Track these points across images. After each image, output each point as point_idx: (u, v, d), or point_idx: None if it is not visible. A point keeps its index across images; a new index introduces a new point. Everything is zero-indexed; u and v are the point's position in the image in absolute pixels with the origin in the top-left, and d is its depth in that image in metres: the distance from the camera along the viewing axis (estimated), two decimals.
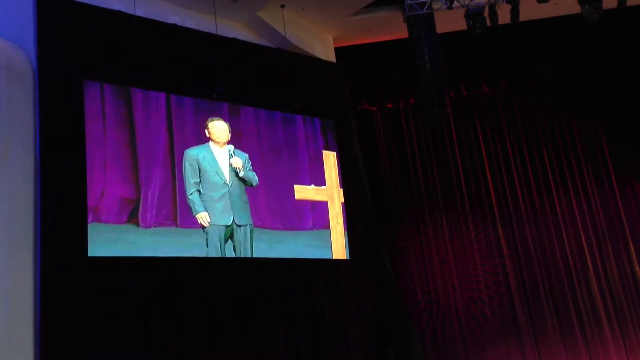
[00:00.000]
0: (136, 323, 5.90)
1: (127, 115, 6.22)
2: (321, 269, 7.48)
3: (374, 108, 9.74)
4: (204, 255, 6.33)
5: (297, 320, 7.09)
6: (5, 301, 5.18)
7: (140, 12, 6.67)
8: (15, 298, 5.27)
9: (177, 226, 6.22)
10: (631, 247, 9.07)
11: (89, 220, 5.68)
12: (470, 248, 9.23)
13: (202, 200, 6.40)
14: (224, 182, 6.62)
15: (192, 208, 6.34)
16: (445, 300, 9.02)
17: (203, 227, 6.35)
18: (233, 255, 6.55)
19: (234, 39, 7.57)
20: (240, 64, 7.44)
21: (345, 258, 7.41)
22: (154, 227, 6.07)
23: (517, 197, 9.40)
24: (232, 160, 6.68)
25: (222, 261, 6.54)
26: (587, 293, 8.98)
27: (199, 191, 6.43)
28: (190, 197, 6.35)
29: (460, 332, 8.87)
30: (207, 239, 6.36)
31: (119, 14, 6.56)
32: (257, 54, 7.79)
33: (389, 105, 9.75)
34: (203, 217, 6.36)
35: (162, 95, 6.50)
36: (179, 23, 7.19)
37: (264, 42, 8.05)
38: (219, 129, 6.73)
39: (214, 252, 6.38)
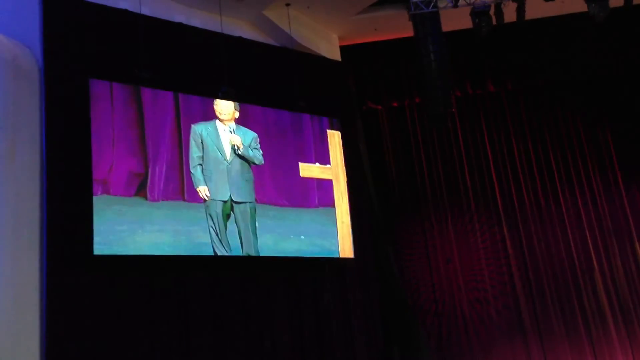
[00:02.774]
0: (142, 321, 5.91)
1: (133, 90, 6.34)
2: (326, 267, 7.48)
3: (380, 107, 9.72)
4: (208, 230, 6.42)
5: (302, 319, 7.09)
6: (11, 299, 5.20)
7: (145, 10, 6.68)
8: (21, 296, 5.29)
9: (184, 200, 6.36)
10: (637, 246, 9.02)
11: (98, 192, 5.77)
12: (475, 247, 9.20)
13: (203, 175, 6.53)
14: (224, 159, 6.73)
15: (193, 182, 6.48)
16: (450, 300, 8.99)
17: (204, 201, 6.47)
18: (235, 230, 6.63)
19: (239, 37, 7.58)
20: (246, 62, 7.45)
21: (350, 257, 7.41)
22: (162, 200, 6.19)
23: (523, 196, 9.36)
24: (231, 136, 6.81)
25: (228, 259, 6.56)
26: (593, 293, 8.94)
27: (201, 165, 6.55)
28: (192, 170, 6.51)
29: (465, 332, 8.84)
30: (207, 213, 6.47)
31: (124, 12, 6.58)
32: (262, 53, 7.79)
33: (395, 104, 9.72)
34: (202, 191, 6.48)
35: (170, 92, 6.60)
36: (184, 22, 7.20)
37: (269, 41, 8.04)
38: (223, 105, 6.87)
39: (212, 226, 6.47)
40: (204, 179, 6.52)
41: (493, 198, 9.37)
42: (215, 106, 6.84)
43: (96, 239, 5.65)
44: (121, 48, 6.44)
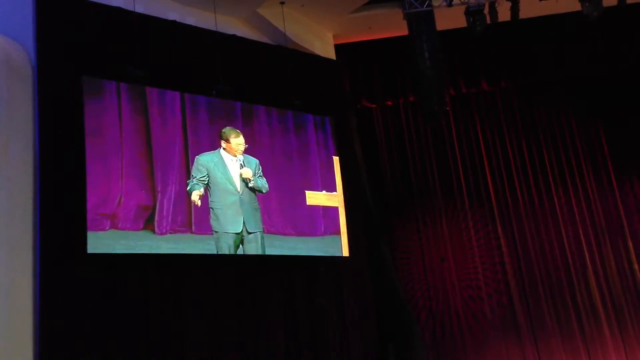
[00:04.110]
0: (136, 321, 5.89)
1: (143, 120, 6.27)
2: (321, 266, 7.48)
3: (374, 105, 9.72)
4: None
5: (297, 318, 7.09)
6: (4, 299, 5.17)
7: (139, 8, 6.65)
8: (15, 295, 5.26)
9: (192, 233, 6.29)
10: (630, 244, 9.07)
11: (107, 227, 5.73)
12: (469, 246, 9.23)
13: (213, 208, 6.46)
14: (236, 190, 6.66)
15: (188, 190, 6.34)
16: (445, 299, 9.02)
17: (214, 232, 6.41)
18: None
19: (234, 35, 7.56)
20: (240, 60, 7.43)
21: (345, 255, 7.42)
22: (170, 233, 6.13)
23: (517, 195, 9.39)
24: (242, 170, 6.71)
25: (223, 258, 6.55)
26: (586, 291, 8.98)
27: (203, 182, 6.43)
28: (188, 187, 6.36)
29: (460, 330, 8.87)
30: (216, 246, 6.40)
31: (118, 10, 6.54)
32: (256, 51, 7.78)
33: (389, 103, 9.73)
34: (196, 195, 6.34)
35: (177, 95, 6.55)
36: (178, 19, 7.17)
37: (264, 39, 8.03)
38: (235, 144, 6.74)
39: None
40: (216, 213, 6.44)
41: (487, 196, 9.40)
42: (231, 143, 6.68)
43: None
44: (115, 46, 6.40)
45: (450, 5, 7.48)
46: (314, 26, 8.54)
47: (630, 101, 9.46)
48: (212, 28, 7.19)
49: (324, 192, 7.37)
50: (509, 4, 7.43)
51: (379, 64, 9.56)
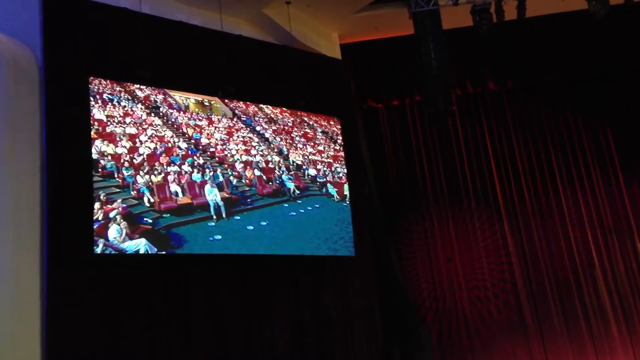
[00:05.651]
0: (142, 319, 5.92)
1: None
2: (327, 266, 7.47)
3: (380, 105, 9.71)
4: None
5: (302, 317, 7.10)
6: (11, 298, 5.20)
7: (146, 9, 6.67)
8: (22, 295, 5.29)
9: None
10: (637, 243, 9.02)
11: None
12: (476, 246, 9.20)
13: None
14: None
15: None
16: (451, 298, 9.00)
17: None
18: None
19: (240, 35, 7.58)
20: (246, 60, 7.44)
21: (351, 255, 7.41)
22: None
23: (523, 194, 9.35)
24: None
25: (227, 258, 6.55)
26: (594, 290, 8.94)
27: None
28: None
29: (467, 330, 8.84)
30: None
31: (124, 11, 6.57)
32: (262, 51, 7.79)
33: (395, 103, 9.72)
34: None
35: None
36: (184, 20, 7.20)
37: (270, 39, 8.05)
38: None
39: None
40: None
41: (494, 196, 9.36)
42: None
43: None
44: (121, 47, 6.43)
45: (456, 4, 7.44)
46: (319, 26, 8.54)
47: (638, 101, 9.40)
48: (218, 28, 7.21)
49: None
50: (516, 2, 7.38)
51: (385, 64, 9.54)
